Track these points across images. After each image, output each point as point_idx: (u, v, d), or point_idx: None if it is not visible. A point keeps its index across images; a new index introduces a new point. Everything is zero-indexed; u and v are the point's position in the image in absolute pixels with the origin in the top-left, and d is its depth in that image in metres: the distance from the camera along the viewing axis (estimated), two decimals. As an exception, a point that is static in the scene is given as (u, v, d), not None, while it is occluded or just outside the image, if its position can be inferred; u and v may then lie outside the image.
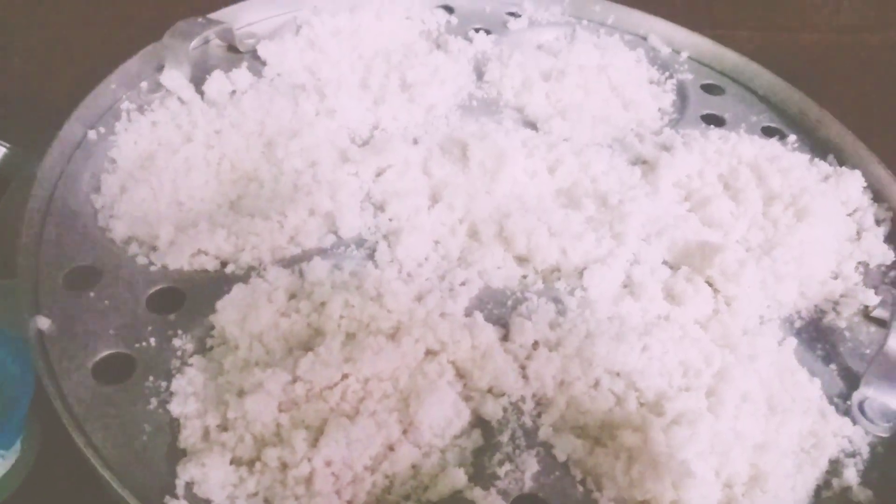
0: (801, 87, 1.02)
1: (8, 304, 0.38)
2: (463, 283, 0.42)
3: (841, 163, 0.54)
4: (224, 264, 0.42)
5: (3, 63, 0.76)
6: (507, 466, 0.34)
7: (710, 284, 0.43)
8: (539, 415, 0.37)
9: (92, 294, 0.39)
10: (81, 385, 0.35)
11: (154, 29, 0.57)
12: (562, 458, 0.35)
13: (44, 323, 0.37)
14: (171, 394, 0.35)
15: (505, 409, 0.37)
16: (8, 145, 0.76)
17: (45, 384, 0.34)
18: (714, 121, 0.58)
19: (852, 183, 0.51)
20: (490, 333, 0.39)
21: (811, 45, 0.95)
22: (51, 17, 0.73)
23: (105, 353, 0.36)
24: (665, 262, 0.45)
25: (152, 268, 0.41)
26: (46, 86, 0.79)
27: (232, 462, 0.33)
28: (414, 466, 0.35)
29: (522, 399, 0.37)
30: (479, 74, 0.59)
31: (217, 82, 0.52)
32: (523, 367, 0.38)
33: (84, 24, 0.73)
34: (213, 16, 0.57)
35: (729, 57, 0.63)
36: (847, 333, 0.43)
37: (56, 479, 0.46)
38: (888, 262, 0.47)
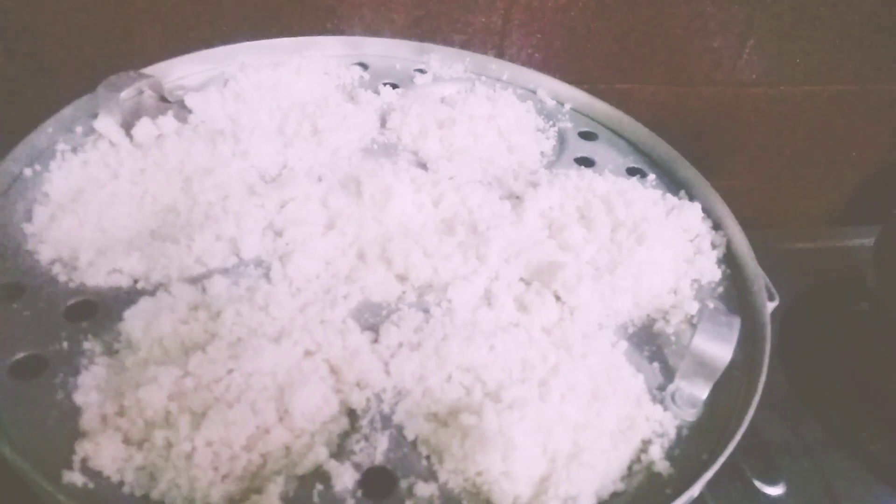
0: (706, 134, 1.13)
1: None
2: (345, 297, 0.49)
3: (691, 198, 0.63)
4: (136, 281, 0.48)
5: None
6: (363, 444, 0.41)
7: (558, 297, 0.51)
8: (397, 403, 0.43)
9: (15, 305, 0.45)
10: (-2, 381, 0.41)
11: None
12: (410, 437, 0.41)
13: (-31, 329, 0.43)
14: (77, 387, 0.41)
15: (368, 399, 0.43)
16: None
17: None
18: (585, 162, 0.66)
19: (692, 214, 0.59)
20: (359, 337, 0.46)
21: (713, 97, 1.05)
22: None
23: (21, 354, 0.42)
24: (521, 279, 0.52)
25: (71, 284, 0.47)
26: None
27: (123, 441, 0.39)
28: (286, 447, 0.40)
29: (384, 390, 0.44)
30: (383, 122, 0.67)
31: (144, 128, 0.58)
32: (387, 365, 0.45)
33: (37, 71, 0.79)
34: (146, 70, 0.64)
35: (602, 108, 0.71)
36: (673, 338, 0.51)
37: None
38: (716, 280, 0.56)
